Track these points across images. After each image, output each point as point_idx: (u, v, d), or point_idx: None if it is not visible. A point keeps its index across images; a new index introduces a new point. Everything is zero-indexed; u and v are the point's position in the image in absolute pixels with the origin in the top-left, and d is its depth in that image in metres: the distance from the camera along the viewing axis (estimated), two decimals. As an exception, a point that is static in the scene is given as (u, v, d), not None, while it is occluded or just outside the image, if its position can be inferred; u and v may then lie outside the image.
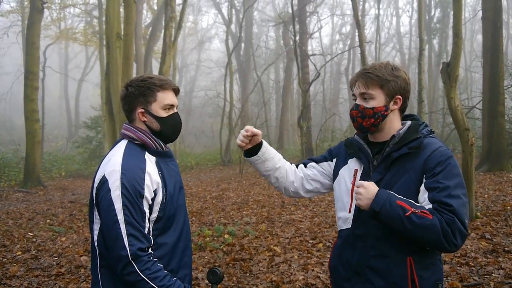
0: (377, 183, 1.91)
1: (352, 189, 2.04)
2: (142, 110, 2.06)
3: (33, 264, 5.82)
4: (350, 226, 2.03)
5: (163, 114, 2.08)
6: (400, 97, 1.98)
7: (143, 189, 1.91)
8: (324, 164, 2.30)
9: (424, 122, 2.07)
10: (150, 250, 1.91)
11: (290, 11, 21.01)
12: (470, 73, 30.04)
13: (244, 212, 8.94)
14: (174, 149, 22.26)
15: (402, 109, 2.04)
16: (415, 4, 29.48)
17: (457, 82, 6.86)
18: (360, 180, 2.00)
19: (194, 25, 44.09)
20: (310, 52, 25.83)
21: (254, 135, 2.19)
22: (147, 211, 1.93)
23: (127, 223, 1.84)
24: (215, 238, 6.65)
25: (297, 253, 5.72)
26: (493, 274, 4.46)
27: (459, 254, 5.15)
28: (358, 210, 1.96)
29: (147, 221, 1.93)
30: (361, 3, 27.59)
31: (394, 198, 1.79)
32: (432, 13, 27.47)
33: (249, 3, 25.22)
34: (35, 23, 15.34)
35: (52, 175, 18.95)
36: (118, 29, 10.99)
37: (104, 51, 15.49)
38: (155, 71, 25.86)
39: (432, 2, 27.37)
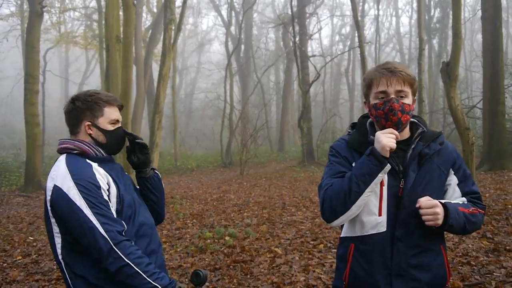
0: (414, 181, 1.93)
1: (381, 191, 1.95)
2: (89, 123, 2.11)
3: (33, 269, 5.81)
4: (384, 230, 1.95)
5: (110, 127, 2.14)
6: (415, 98, 2.02)
7: (97, 181, 1.95)
8: None
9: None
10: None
11: (289, 12, 21.04)
12: (471, 73, 30.02)
13: (245, 214, 8.92)
14: (174, 152, 22.28)
15: None
16: (415, 4, 29.52)
17: (457, 82, 6.86)
18: (388, 179, 1.94)
19: (194, 27, 44.21)
20: (310, 53, 25.83)
21: None
22: (108, 200, 1.96)
23: (95, 214, 1.87)
24: (216, 240, 6.63)
25: (298, 254, 5.70)
26: (494, 273, 4.44)
27: (460, 254, 5.14)
28: (395, 212, 1.93)
29: (112, 210, 1.96)
30: (360, 4, 27.65)
31: (455, 206, 1.91)
32: (432, 13, 27.51)
33: (248, 5, 25.25)
34: (35, 27, 15.33)
35: (53, 179, 18.94)
36: (118, 32, 11.02)
37: (104, 54, 15.53)
38: (155, 74, 25.84)
39: (432, 2, 27.39)
